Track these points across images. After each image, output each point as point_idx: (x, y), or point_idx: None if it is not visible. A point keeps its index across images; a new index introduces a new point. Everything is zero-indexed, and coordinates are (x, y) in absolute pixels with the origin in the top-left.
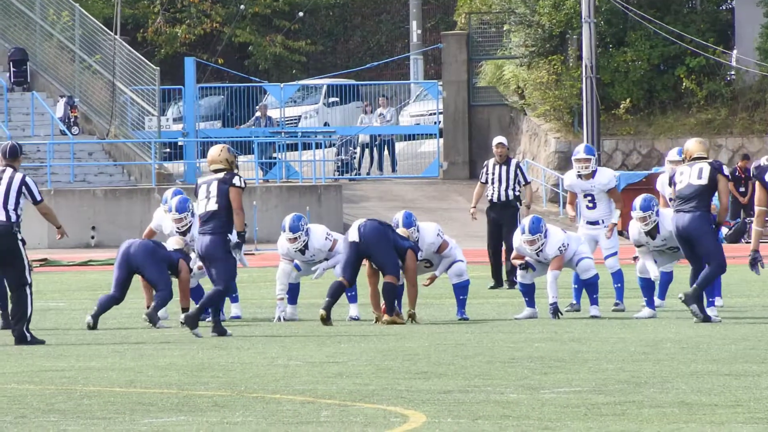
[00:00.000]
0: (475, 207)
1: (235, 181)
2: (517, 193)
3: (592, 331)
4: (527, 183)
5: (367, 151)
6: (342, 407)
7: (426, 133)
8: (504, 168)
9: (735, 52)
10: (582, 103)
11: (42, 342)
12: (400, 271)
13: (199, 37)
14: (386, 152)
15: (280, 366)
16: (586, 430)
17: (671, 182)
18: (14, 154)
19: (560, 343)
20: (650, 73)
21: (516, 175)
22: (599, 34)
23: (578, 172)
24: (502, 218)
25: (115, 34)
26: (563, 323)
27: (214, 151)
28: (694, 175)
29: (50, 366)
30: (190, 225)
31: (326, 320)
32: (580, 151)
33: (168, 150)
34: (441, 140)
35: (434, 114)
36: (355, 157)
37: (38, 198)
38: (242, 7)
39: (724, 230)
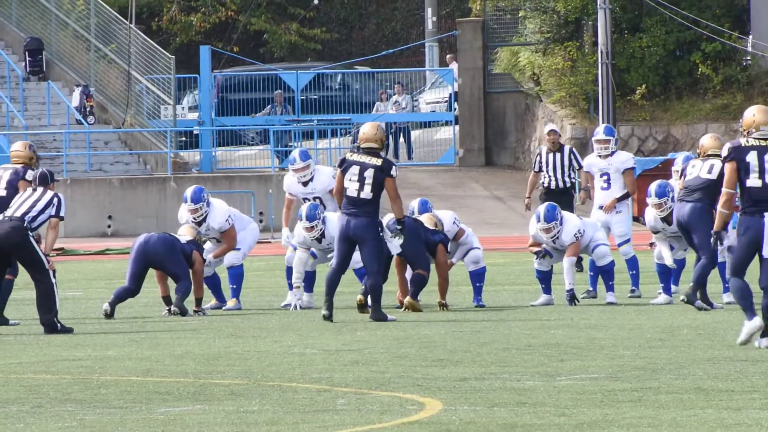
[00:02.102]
0: (529, 197)
1: (393, 171)
2: (573, 180)
3: (609, 318)
4: (581, 168)
5: None
6: (358, 395)
7: (442, 120)
8: (558, 155)
9: (751, 37)
10: (598, 89)
11: (71, 330)
12: (431, 265)
13: (214, 25)
14: (402, 140)
15: (296, 354)
16: (603, 416)
17: (682, 174)
18: (44, 182)
19: (576, 329)
20: (666, 58)
21: (570, 161)
22: (614, 20)
23: (598, 153)
24: (559, 201)
25: (130, 22)
26: (579, 310)
27: (370, 130)
28: (704, 170)
29: (67, 355)
30: (206, 215)
31: (364, 307)
32: (599, 132)
33: (184, 139)
34: (457, 127)
35: (449, 101)
36: None
37: (61, 214)
38: None
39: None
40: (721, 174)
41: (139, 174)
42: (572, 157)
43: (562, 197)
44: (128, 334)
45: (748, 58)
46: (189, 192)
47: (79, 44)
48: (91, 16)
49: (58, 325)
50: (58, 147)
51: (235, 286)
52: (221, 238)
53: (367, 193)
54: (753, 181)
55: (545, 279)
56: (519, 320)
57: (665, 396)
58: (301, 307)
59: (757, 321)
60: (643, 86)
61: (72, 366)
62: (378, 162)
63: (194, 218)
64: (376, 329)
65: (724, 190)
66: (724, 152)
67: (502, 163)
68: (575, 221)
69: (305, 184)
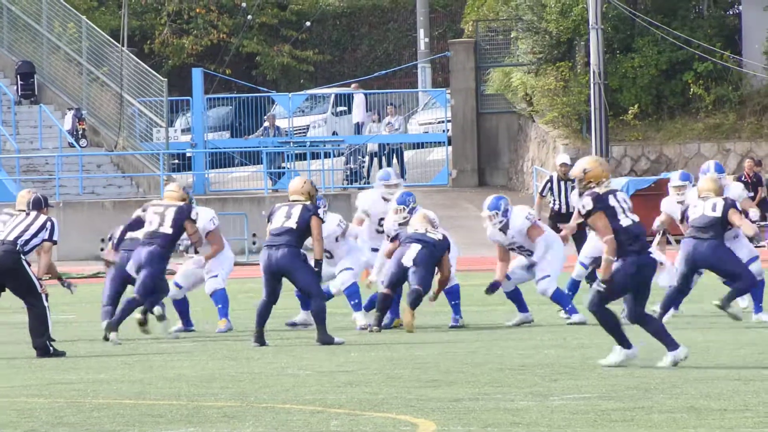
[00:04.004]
0: (539, 219)
1: (320, 212)
2: None
3: (601, 338)
4: None
5: (375, 159)
6: (351, 416)
7: (434, 141)
8: (569, 183)
9: (743, 57)
10: (590, 109)
11: (63, 353)
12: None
13: (206, 47)
14: (395, 160)
15: (289, 375)
16: None
17: (683, 218)
18: (38, 206)
19: (569, 349)
20: (658, 78)
21: None
22: (606, 40)
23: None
24: (566, 223)
25: (122, 45)
26: (572, 330)
27: (297, 183)
28: (708, 208)
29: (60, 378)
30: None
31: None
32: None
33: (176, 161)
34: (450, 148)
35: (442, 122)
36: (363, 166)
37: (54, 238)
38: (249, 17)
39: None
40: (725, 210)
41: (132, 196)
42: None
43: (569, 219)
44: (120, 357)
45: (743, 79)
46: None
47: (71, 67)
48: (83, 39)
49: (51, 348)
50: (50, 170)
51: (221, 306)
52: (208, 241)
53: (291, 222)
54: (625, 220)
55: (515, 298)
56: (512, 340)
57: (658, 415)
58: (298, 323)
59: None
60: (636, 106)
61: (65, 389)
62: (307, 202)
63: None
64: (369, 350)
65: (606, 238)
66: (589, 206)
67: (495, 183)
68: (524, 211)
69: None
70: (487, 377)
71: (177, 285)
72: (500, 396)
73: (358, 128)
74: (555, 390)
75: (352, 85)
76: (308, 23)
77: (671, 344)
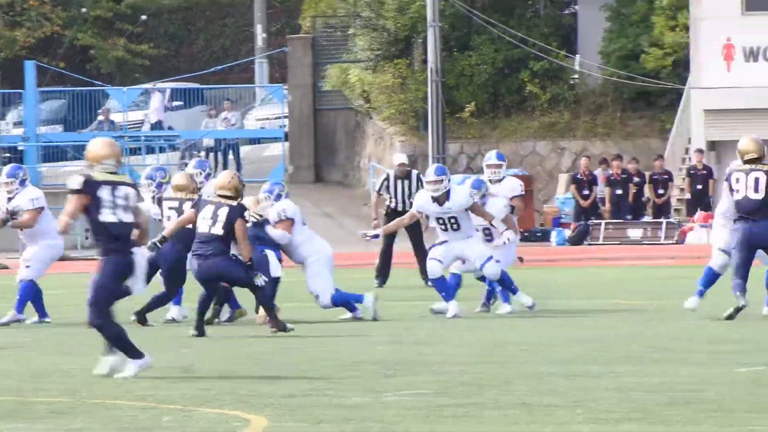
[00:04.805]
0: (377, 218)
1: (246, 214)
2: None
3: (436, 334)
4: None
5: (211, 155)
6: (184, 412)
7: (271, 137)
8: (406, 181)
9: (578, 56)
10: (427, 106)
11: None
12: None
13: (39, 40)
14: (231, 156)
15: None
16: None
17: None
18: None
19: (404, 345)
20: (495, 76)
21: (417, 186)
22: (444, 37)
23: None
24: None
25: None
26: (407, 326)
27: (225, 177)
28: (751, 189)
29: None
30: (17, 192)
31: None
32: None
33: (8, 155)
34: (286, 144)
35: (280, 118)
36: None
37: None
38: (84, 9)
39: (567, 232)
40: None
41: None
42: (419, 182)
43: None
44: None
45: (576, 76)
46: (7, 167)
47: None
48: None
49: None
50: None
51: (19, 298)
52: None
53: (218, 229)
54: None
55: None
56: (347, 336)
57: (490, 411)
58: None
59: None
60: (472, 104)
61: None
62: (233, 203)
63: (7, 192)
64: (202, 346)
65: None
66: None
67: (331, 179)
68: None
69: (440, 202)
70: (320, 373)
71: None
72: (333, 392)
73: (159, 126)
74: (388, 386)
75: (152, 84)
76: (144, 17)
77: None
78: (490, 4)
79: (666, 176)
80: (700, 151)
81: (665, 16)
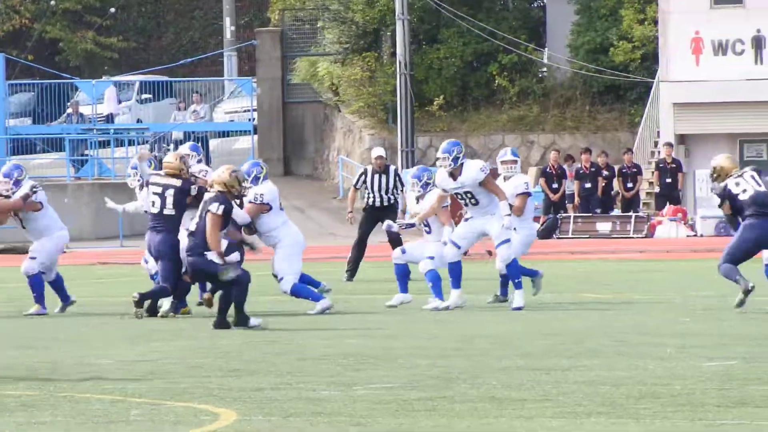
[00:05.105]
0: (351, 211)
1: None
2: (397, 198)
3: (406, 328)
4: (404, 187)
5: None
6: (152, 406)
7: (240, 130)
8: (384, 176)
9: (547, 49)
10: (396, 99)
11: None
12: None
13: (8, 33)
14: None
15: (90, 365)
16: (398, 426)
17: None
18: None
19: (374, 339)
20: (463, 70)
21: (395, 181)
22: (413, 31)
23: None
24: (382, 216)
25: None
26: (376, 320)
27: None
28: (754, 184)
29: None
30: (12, 192)
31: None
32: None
33: None
34: (255, 137)
35: (249, 111)
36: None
37: None
38: (53, 2)
39: (536, 226)
40: None
41: None
42: (397, 178)
43: (387, 214)
44: None
45: (544, 70)
46: (6, 166)
47: None
48: None
49: None
50: None
51: (36, 295)
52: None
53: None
54: None
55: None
56: (315, 329)
57: (460, 405)
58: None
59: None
60: (441, 97)
61: None
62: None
63: (4, 191)
64: (172, 340)
65: None
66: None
67: (301, 172)
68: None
69: (455, 177)
70: (290, 366)
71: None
72: (302, 385)
73: (111, 120)
74: (358, 379)
75: (103, 77)
76: (113, 10)
77: None
78: None
79: (635, 170)
80: (669, 144)
81: (634, 10)
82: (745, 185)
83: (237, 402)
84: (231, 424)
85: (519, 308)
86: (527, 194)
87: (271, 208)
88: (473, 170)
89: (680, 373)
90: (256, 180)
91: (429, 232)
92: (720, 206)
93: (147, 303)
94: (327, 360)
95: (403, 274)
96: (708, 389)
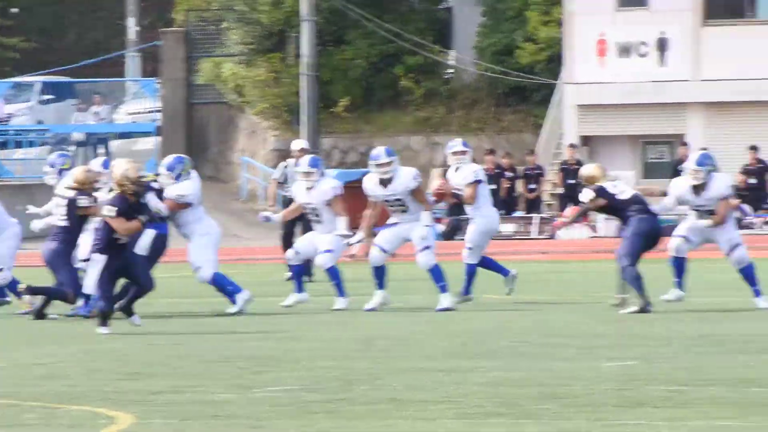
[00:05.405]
0: (273, 205)
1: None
2: None
3: (306, 329)
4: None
5: (81, 149)
6: (48, 410)
7: (143, 132)
8: None
9: (453, 51)
10: (301, 101)
11: None
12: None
13: None
14: (102, 150)
15: None
16: (297, 428)
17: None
18: None
19: (274, 341)
20: (369, 71)
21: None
22: (319, 32)
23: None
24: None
25: None
26: (276, 321)
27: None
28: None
29: None
30: None
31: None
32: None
33: None
34: (159, 138)
35: (152, 112)
36: (69, 156)
37: None
38: None
39: (440, 227)
40: None
41: None
42: None
43: None
44: None
45: (451, 71)
46: None
47: None
48: None
49: None
50: None
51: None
52: None
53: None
54: None
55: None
56: (215, 332)
57: (360, 407)
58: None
59: None
60: (346, 98)
61: None
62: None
63: None
64: (68, 343)
65: None
66: None
67: (204, 174)
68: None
69: (385, 184)
70: (189, 369)
71: None
72: (202, 389)
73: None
74: (257, 382)
75: (23, 77)
76: (14, 9)
77: None
78: None
79: (538, 171)
80: (572, 145)
81: (539, 11)
82: (622, 188)
83: (134, 405)
84: (128, 428)
85: (445, 309)
86: (477, 182)
87: (190, 205)
88: (407, 178)
89: (580, 374)
90: (179, 177)
91: (320, 222)
92: (589, 200)
93: (39, 304)
94: (227, 362)
95: (299, 273)
96: (607, 390)
